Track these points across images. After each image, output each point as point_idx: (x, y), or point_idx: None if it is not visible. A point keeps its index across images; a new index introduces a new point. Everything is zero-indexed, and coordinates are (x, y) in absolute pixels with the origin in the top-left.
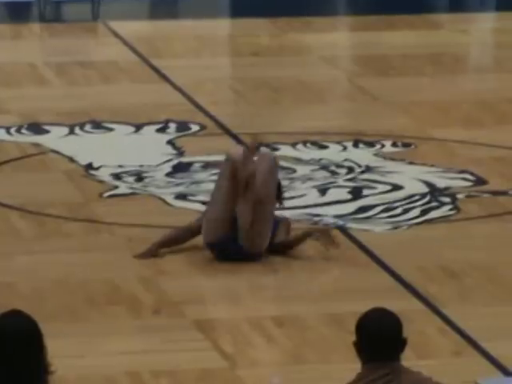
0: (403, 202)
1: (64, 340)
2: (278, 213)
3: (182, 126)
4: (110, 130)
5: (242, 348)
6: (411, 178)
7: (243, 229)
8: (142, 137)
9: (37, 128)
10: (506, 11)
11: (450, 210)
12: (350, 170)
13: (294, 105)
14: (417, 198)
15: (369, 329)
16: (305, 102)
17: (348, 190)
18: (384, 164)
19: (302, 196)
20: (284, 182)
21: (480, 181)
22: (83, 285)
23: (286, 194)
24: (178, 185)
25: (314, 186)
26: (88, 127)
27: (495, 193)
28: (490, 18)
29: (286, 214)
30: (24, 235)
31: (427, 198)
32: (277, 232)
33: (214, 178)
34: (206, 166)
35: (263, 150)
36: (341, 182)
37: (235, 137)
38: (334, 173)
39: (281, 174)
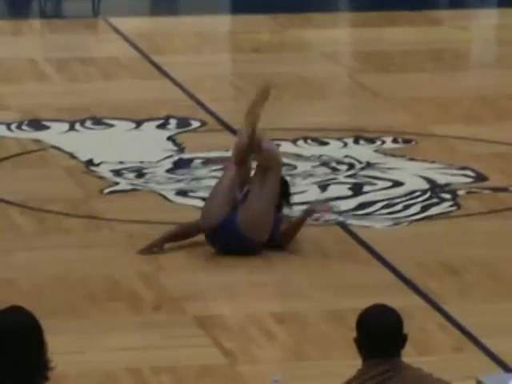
0: (404, 199)
1: (64, 336)
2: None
3: (183, 122)
4: (111, 126)
5: (242, 344)
6: (412, 175)
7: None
8: (143, 133)
9: (37, 124)
10: (506, 7)
11: (451, 206)
12: (351, 166)
13: (294, 101)
14: (417, 194)
15: (369, 325)
16: (305, 99)
17: (348, 186)
18: (384, 160)
19: (302, 192)
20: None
21: (480, 177)
22: (83, 281)
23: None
24: (178, 181)
25: (315, 183)
26: (88, 123)
27: (495, 189)
28: (490, 14)
29: (286, 211)
30: (24, 231)
31: (428, 195)
32: (279, 225)
33: (215, 174)
34: (207, 162)
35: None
36: (341, 178)
37: (236, 133)
38: (334, 169)
39: (282, 171)
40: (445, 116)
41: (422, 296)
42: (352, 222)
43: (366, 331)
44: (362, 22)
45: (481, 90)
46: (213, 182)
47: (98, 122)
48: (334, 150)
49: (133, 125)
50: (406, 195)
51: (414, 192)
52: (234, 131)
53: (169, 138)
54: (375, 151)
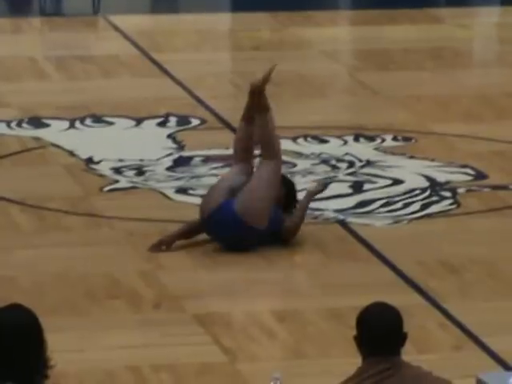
0: (403, 197)
1: (64, 334)
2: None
3: (183, 120)
4: (111, 124)
5: (241, 342)
6: (412, 173)
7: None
8: (143, 131)
9: (37, 122)
10: (509, 6)
11: (451, 204)
12: (351, 164)
13: (294, 99)
14: (417, 192)
15: (369, 323)
16: (305, 97)
17: (349, 184)
18: (384, 158)
19: (302, 190)
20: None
21: (480, 175)
22: (83, 279)
23: None
24: (178, 179)
25: (315, 181)
26: (88, 121)
27: (495, 187)
28: (491, 12)
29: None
30: (24, 229)
31: (427, 193)
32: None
33: (215, 172)
34: (207, 160)
35: None
36: (341, 176)
37: (235, 131)
38: (334, 167)
39: (282, 169)
40: (445, 114)
41: (421, 294)
42: (352, 220)
43: (366, 329)
44: (363, 20)
45: (481, 89)
46: (213, 180)
47: (97, 119)
48: (334, 147)
49: (133, 123)
50: (405, 193)
51: (413, 190)
52: (233, 129)
53: (169, 136)
54: (375, 149)
